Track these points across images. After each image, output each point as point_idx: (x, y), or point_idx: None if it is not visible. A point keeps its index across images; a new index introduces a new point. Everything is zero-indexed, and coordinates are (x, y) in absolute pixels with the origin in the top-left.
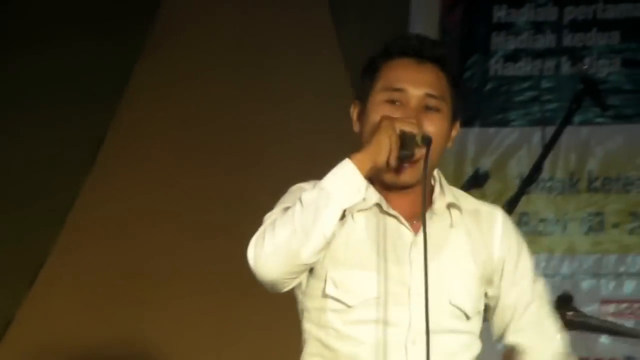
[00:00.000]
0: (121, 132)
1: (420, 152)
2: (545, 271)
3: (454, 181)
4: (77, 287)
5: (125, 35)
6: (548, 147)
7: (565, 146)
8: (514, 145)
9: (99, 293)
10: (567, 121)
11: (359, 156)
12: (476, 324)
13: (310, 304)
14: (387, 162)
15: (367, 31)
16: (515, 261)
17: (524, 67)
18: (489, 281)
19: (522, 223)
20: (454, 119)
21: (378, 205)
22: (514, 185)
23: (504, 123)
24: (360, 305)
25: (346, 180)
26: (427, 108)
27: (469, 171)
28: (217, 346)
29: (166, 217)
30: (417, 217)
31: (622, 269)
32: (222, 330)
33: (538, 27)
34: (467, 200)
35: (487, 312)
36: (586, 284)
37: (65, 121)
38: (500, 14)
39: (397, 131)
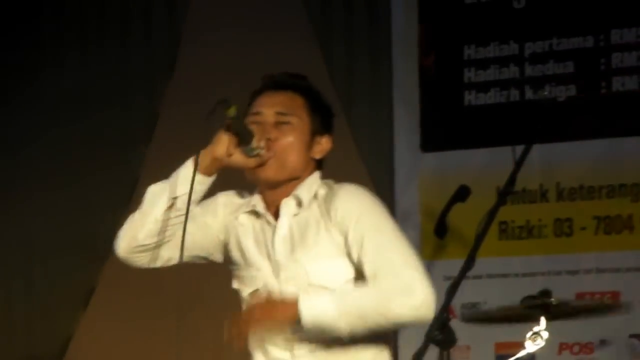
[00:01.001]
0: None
1: (267, 152)
2: (525, 271)
3: (440, 198)
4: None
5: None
6: (519, 163)
7: (534, 162)
8: (490, 163)
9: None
10: (533, 140)
11: (201, 152)
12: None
13: None
14: (228, 154)
15: (354, 75)
16: (353, 227)
17: (493, 96)
18: (347, 253)
19: (501, 230)
20: (317, 132)
21: (253, 206)
22: (492, 197)
23: (480, 145)
24: (252, 295)
25: (180, 174)
26: (280, 123)
27: (452, 188)
28: None
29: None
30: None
31: (592, 266)
32: None
33: (503, 62)
34: (331, 187)
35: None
36: (560, 280)
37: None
38: (470, 52)
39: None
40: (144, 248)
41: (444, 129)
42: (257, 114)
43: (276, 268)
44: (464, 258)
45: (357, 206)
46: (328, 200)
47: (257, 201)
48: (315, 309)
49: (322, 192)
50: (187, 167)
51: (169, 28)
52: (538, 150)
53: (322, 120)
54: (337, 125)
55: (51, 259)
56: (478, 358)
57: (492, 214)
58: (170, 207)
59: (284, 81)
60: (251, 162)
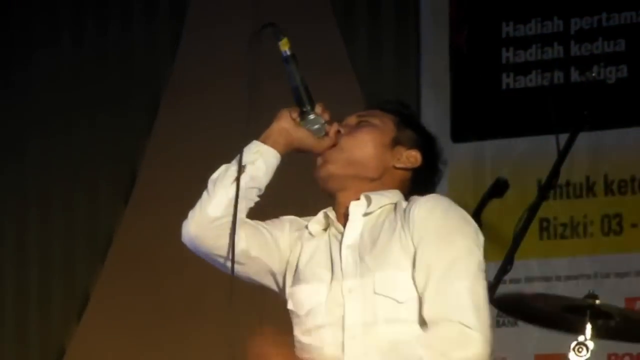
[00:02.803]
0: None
1: (333, 128)
2: (569, 273)
3: (474, 193)
4: (121, 317)
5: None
6: (563, 153)
7: (580, 152)
8: (530, 154)
9: (142, 321)
10: (579, 127)
11: (270, 126)
12: (414, 311)
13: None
14: (292, 117)
15: (379, 57)
16: (425, 242)
17: (534, 79)
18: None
19: (543, 228)
20: (402, 143)
21: (324, 213)
22: (533, 192)
23: (519, 133)
24: (309, 313)
25: (247, 147)
26: (360, 122)
27: (488, 182)
28: None
29: None
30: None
31: None
32: None
33: (546, 40)
34: (414, 198)
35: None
36: (609, 283)
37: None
38: (508, 29)
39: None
40: (215, 223)
41: (477, 116)
42: (341, 121)
43: (340, 278)
44: (500, 260)
45: (434, 220)
46: (408, 207)
47: (328, 210)
48: None
49: (404, 204)
50: (253, 143)
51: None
52: (584, 139)
53: (412, 136)
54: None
55: (47, 260)
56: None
57: (532, 211)
58: (239, 177)
59: (382, 103)
60: (315, 141)
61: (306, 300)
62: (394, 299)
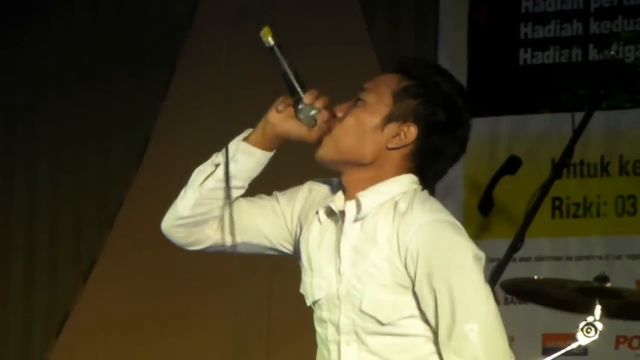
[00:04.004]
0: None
1: (322, 117)
2: (580, 254)
3: (488, 169)
4: (128, 281)
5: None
6: (578, 132)
7: (595, 131)
8: (544, 131)
9: (149, 287)
10: (595, 106)
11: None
12: (407, 327)
13: None
14: (277, 110)
15: (398, 28)
16: (426, 276)
17: (552, 56)
18: (404, 288)
19: (555, 207)
20: (397, 119)
21: (332, 201)
22: (547, 170)
23: (535, 110)
24: (315, 304)
25: (230, 143)
26: (358, 100)
27: (502, 158)
28: None
29: None
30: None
31: None
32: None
33: (565, 16)
34: (413, 208)
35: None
36: (620, 265)
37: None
38: (527, 4)
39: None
40: (182, 222)
41: (494, 92)
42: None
43: (339, 279)
44: (510, 238)
45: (435, 258)
46: (406, 226)
47: (338, 196)
48: None
49: (403, 204)
50: (239, 135)
51: None
52: (600, 118)
53: (409, 106)
54: None
55: (56, 223)
56: (523, 350)
57: (545, 189)
58: (209, 176)
59: (399, 62)
60: (304, 130)
61: (311, 291)
62: (377, 320)
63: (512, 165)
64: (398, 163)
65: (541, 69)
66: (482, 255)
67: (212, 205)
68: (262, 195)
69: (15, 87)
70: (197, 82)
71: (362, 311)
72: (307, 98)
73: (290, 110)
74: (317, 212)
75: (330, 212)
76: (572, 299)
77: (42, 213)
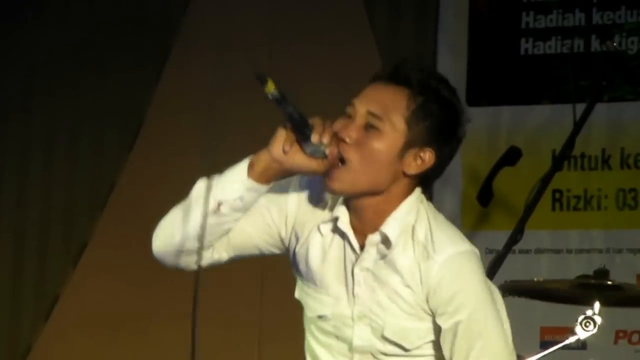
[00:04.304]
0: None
1: (330, 151)
2: (580, 247)
3: (487, 160)
4: (119, 265)
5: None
6: (579, 124)
7: (597, 123)
8: (545, 122)
9: (140, 271)
10: (597, 98)
11: (259, 152)
12: (427, 349)
13: None
14: (284, 150)
15: (398, 17)
16: (448, 312)
17: (554, 46)
18: (426, 315)
19: (555, 200)
20: (416, 144)
21: (335, 220)
22: (547, 162)
23: (535, 101)
24: (320, 318)
25: (231, 174)
26: (370, 126)
27: (502, 149)
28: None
29: None
30: (366, 234)
31: None
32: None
33: (567, 6)
34: (434, 240)
35: None
36: (621, 258)
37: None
38: None
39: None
40: (180, 250)
41: (494, 82)
42: (351, 105)
43: (352, 299)
44: (510, 229)
45: (456, 293)
46: (425, 253)
47: (341, 213)
48: None
49: (420, 231)
50: (241, 167)
51: None
52: (602, 110)
53: (430, 128)
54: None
55: (47, 208)
56: (520, 343)
57: (545, 181)
58: (215, 211)
59: (399, 73)
60: (314, 164)
61: (314, 306)
62: (401, 346)
63: (512, 156)
64: (410, 183)
65: (542, 60)
66: (494, 287)
67: (214, 237)
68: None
69: (8, 74)
70: (191, 68)
71: (384, 337)
72: (314, 137)
73: (296, 147)
74: (318, 226)
75: (335, 228)
76: (572, 293)
77: (32, 197)
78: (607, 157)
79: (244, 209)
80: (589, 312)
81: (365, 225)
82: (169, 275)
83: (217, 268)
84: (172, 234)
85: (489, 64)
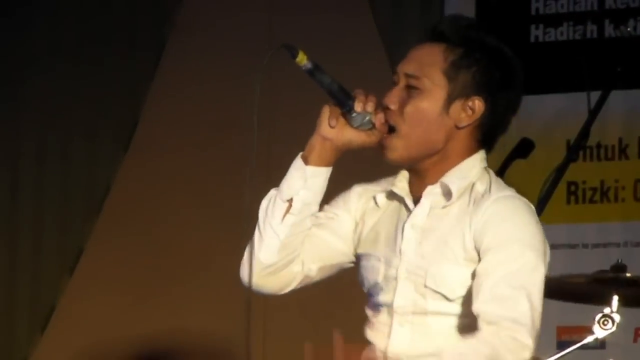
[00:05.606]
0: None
1: (378, 120)
2: (597, 241)
3: (499, 152)
4: (117, 272)
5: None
6: (594, 112)
7: (613, 111)
8: (559, 112)
9: (138, 277)
10: (612, 85)
11: (310, 138)
12: (467, 307)
13: None
14: (331, 126)
15: (402, 3)
16: (493, 249)
17: (565, 32)
18: (471, 263)
19: (570, 192)
20: (461, 95)
21: (393, 185)
22: (561, 153)
23: (548, 90)
24: (370, 290)
25: (290, 172)
26: (410, 87)
27: (514, 141)
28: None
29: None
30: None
31: None
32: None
33: None
34: (491, 188)
35: None
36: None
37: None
38: None
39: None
40: (271, 269)
41: (486, 75)
42: (395, 73)
43: (399, 257)
44: None
45: (507, 228)
46: (481, 202)
47: (400, 179)
48: None
49: (480, 188)
50: (296, 161)
51: None
52: (618, 98)
53: (474, 77)
54: (380, 65)
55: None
56: (536, 344)
57: (559, 173)
58: (287, 212)
59: (435, 30)
60: (364, 136)
61: (366, 277)
62: (443, 295)
63: (524, 148)
64: (468, 138)
65: (554, 47)
66: (546, 246)
67: (297, 241)
68: (319, 215)
69: None
70: (187, 63)
71: (426, 287)
72: (358, 106)
73: (343, 120)
74: (374, 197)
75: (390, 195)
76: (588, 290)
77: (25, 201)
78: (624, 147)
79: (315, 200)
80: (606, 310)
81: (422, 187)
82: (169, 278)
83: (219, 264)
84: (256, 257)
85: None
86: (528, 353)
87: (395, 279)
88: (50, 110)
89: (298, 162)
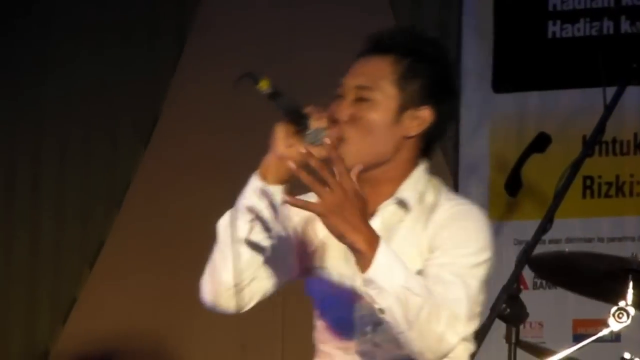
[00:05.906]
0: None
1: (329, 134)
2: (612, 235)
3: (516, 147)
4: (137, 265)
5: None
6: (610, 107)
7: (629, 107)
8: (575, 107)
9: (158, 270)
10: (628, 81)
11: (265, 157)
12: None
13: None
14: (288, 146)
15: (421, 2)
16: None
17: (582, 28)
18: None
19: (586, 187)
20: (411, 105)
21: None
22: (577, 148)
23: (564, 85)
24: (323, 301)
25: (249, 190)
26: (360, 99)
27: (531, 135)
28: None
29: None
30: (374, 206)
31: None
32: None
33: None
34: (441, 197)
35: None
36: None
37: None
38: None
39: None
40: (235, 289)
41: (521, 66)
42: (341, 85)
43: (354, 271)
44: (539, 219)
45: (455, 229)
46: (434, 211)
47: None
48: (389, 264)
49: (429, 198)
50: (252, 179)
51: None
52: (634, 93)
53: (422, 87)
54: None
55: (58, 210)
56: (552, 337)
57: (575, 167)
58: (250, 232)
59: (380, 42)
60: (318, 151)
61: (320, 288)
62: None
63: (541, 142)
64: (414, 148)
65: (571, 43)
66: (491, 254)
67: (259, 259)
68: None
69: (21, 65)
70: (207, 59)
71: None
72: (313, 124)
73: (297, 138)
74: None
75: None
76: (603, 282)
77: (46, 195)
78: (639, 142)
79: (274, 217)
80: (621, 303)
81: (379, 197)
82: (189, 271)
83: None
84: (218, 278)
85: (515, 48)
86: (461, 327)
87: (353, 293)
88: (72, 106)
89: (256, 181)
